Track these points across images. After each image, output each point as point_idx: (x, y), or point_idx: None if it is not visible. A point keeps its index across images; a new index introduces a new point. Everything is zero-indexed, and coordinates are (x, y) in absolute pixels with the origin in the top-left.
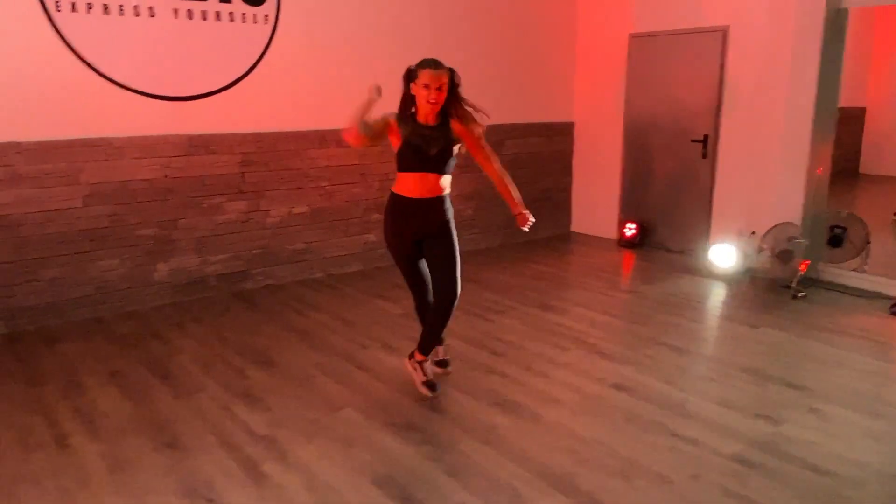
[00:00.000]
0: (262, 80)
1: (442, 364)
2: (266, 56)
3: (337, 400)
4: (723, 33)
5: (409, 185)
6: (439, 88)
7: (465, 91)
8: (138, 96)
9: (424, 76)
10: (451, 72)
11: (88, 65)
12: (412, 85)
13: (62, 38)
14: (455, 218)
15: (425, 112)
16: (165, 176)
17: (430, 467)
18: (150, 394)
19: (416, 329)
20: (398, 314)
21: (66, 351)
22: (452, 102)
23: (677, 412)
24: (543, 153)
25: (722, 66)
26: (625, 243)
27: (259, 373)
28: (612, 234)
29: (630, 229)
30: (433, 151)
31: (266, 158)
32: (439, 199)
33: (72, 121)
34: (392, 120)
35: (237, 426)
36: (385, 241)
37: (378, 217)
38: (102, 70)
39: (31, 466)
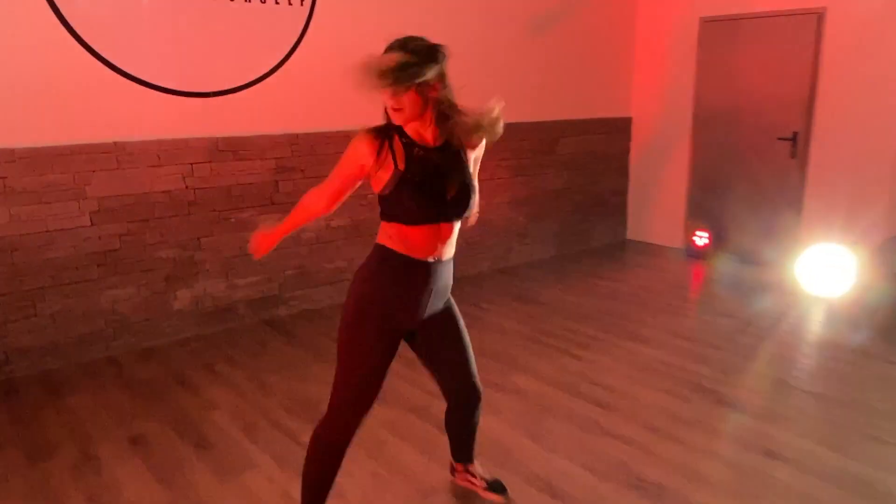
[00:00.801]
0: (298, 72)
1: (496, 489)
2: (302, 44)
3: (425, 478)
4: (818, 16)
5: (420, 241)
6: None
7: (512, 83)
8: (155, 92)
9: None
10: (416, 54)
11: (95, 54)
12: None
13: (63, 20)
14: (508, 226)
15: (413, 127)
16: (187, 186)
17: None
18: (185, 471)
19: (495, 368)
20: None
21: (74, 406)
22: (440, 104)
23: (865, 494)
24: (598, 152)
25: (816, 54)
26: (695, 253)
27: None
28: (677, 242)
29: (701, 238)
30: (453, 189)
31: (302, 164)
32: (452, 259)
33: (76, 122)
34: (369, 140)
35: None
36: (358, 317)
37: None
38: (113, 61)
39: None
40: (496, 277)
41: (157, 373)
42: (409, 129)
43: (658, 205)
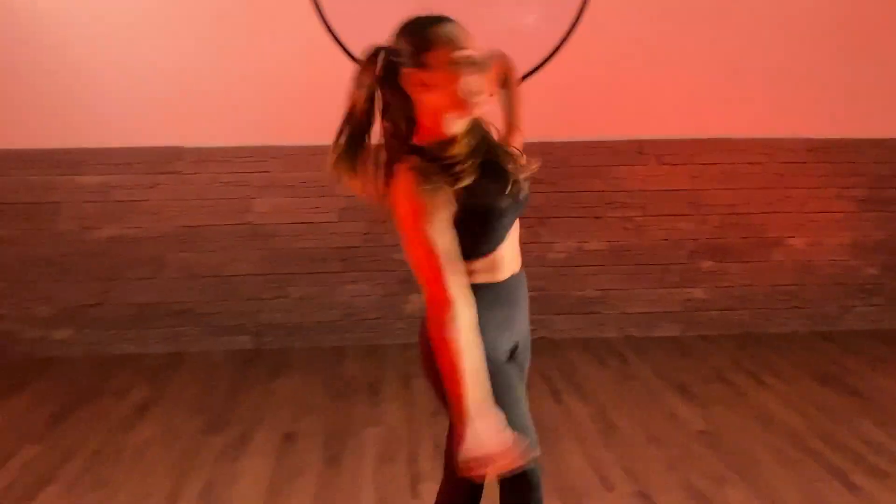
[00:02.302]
0: (561, 71)
1: None
2: (570, 38)
3: None
4: None
5: (511, 255)
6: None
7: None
8: None
9: (449, 41)
10: None
11: (351, 56)
12: (417, 73)
13: (327, 26)
14: (845, 277)
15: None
16: None
17: None
18: (298, 481)
19: (716, 469)
20: (697, 432)
21: (276, 388)
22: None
23: None
24: None
25: None
26: None
27: None
28: None
29: None
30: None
31: (553, 176)
32: None
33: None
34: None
35: None
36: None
37: (711, 266)
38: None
39: None
40: (810, 344)
41: (365, 371)
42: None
43: None
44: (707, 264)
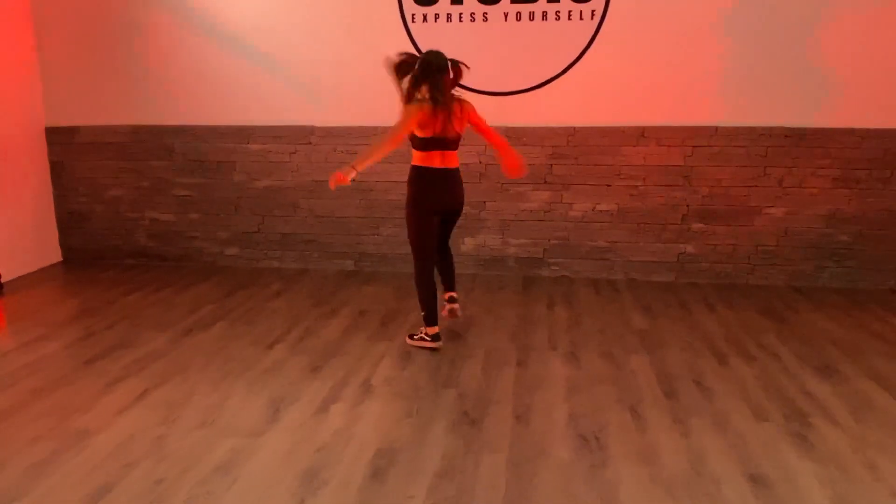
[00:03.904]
0: (580, 75)
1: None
2: (587, 53)
3: None
4: None
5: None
6: None
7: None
8: (467, 92)
9: None
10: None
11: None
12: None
13: (413, 43)
14: (820, 242)
15: None
16: (479, 162)
17: None
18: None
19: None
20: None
21: (366, 291)
22: None
23: None
24: None
25: None
26: None
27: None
28: None
29: None
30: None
31: (575, 152)
32: None
33: None
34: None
35: None
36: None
37: (701, 227)
38: None
39: None
40: (781, 294)
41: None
42: None
43: None
44: (697, 226)
